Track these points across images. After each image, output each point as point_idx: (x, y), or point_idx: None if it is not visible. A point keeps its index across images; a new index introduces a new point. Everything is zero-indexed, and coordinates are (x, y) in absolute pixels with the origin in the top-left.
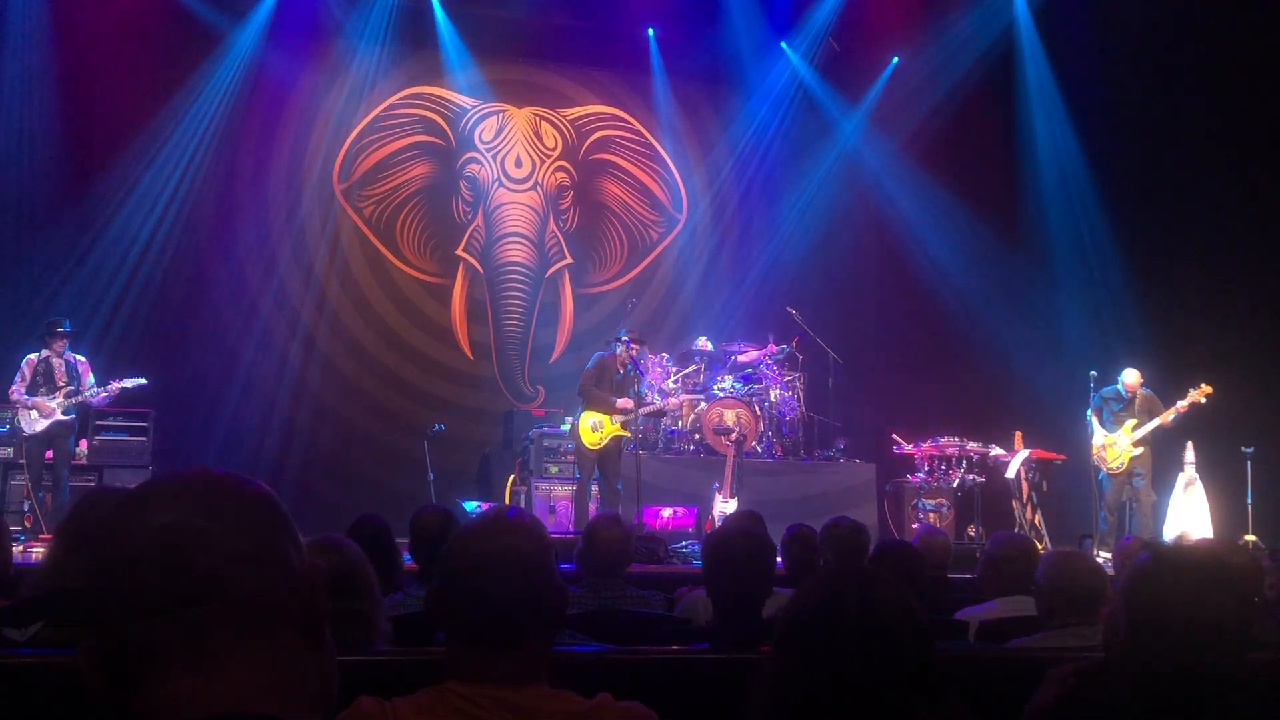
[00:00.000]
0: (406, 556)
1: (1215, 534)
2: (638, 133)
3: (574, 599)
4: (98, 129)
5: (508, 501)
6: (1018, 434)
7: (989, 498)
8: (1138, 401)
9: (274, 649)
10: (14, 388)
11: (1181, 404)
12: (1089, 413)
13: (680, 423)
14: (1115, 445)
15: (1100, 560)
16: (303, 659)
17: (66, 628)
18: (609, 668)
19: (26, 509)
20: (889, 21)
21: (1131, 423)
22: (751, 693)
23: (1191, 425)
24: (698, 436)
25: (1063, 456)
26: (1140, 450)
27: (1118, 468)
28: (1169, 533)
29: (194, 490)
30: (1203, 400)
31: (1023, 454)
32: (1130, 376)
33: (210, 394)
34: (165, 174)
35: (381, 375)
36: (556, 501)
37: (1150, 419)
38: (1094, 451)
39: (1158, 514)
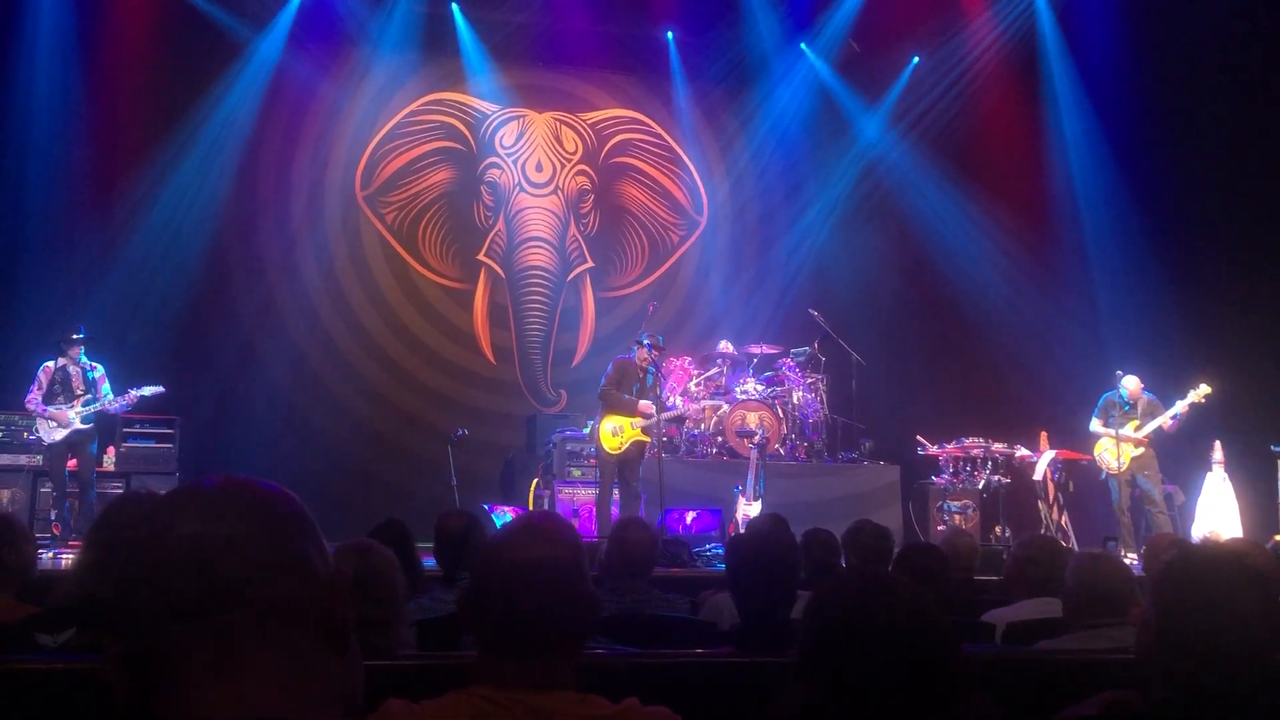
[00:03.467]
0: (431, 560)
1: (1244, 533)
2: (658, 136)
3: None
4: (121, 138)
5: (531, 506)
6: (1043, 434)
7: (1015, 499)
8: (1140, 406)
9: (299, 655)
10: (31, 396)
11: (1181, 404)
12: (1093, 417)
13: (703, 426)
14: (1116, 446)
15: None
16: (328, 664)
17: (96, 634)
18: (634, 671)
19: (54, 517)
20: (909, 21)
21: (1133, 424)
22: (776, 697)
23: (1220, 424)
24: (720, 439)
25: (1089, 457)
26: (1141, 450)
27: (1118, 468)
28: (1197, 532)
29: (219, 498)
30: (1202, 401)
31: (1049, 454)
32: (1131, 383)
33: (235, 400)
34: (189, 181)
35: (404, 380)
36: (580, 505)
37: (1152, 420)
38: (1095, 453)
39: (1185, 513)
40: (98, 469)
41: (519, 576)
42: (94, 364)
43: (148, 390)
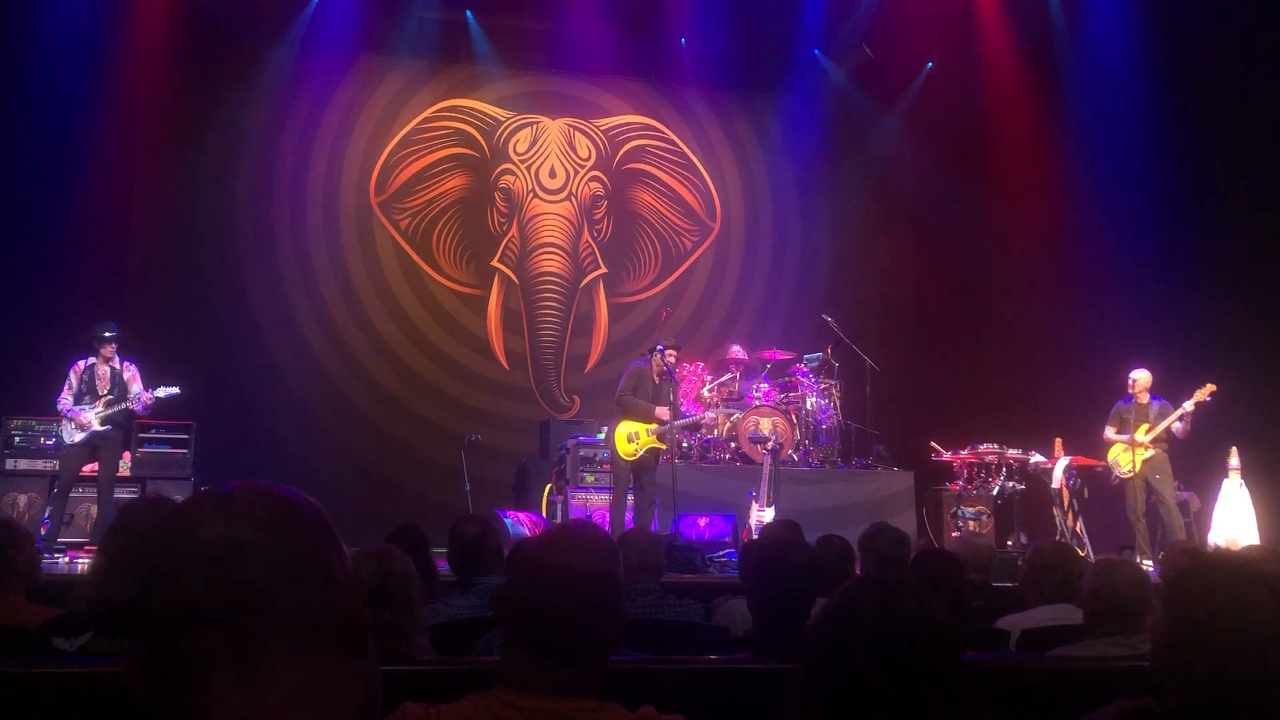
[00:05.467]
0: (445, 565)
1: (1261, 540)
2: (671, 142)
3: None
4: (138, 143)
5: (544, 511)
6: (1058, 440)
7: (1029, 505)
8: (1152, 412)
9: (319, 660)
10: (61, 397)
11: (1188, 405)
12: (1107, 425)
13: (716, 431)
14: (1125, 450)
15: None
16: (347, 670)
17: (114, 638)
18: (649, 677)
19: (46, 515)
20: (923, 27)
21: (1144, 428)
22: (784, 702)
23: (1237, 430)
24: (734, 445)
25: (1104, 463)
26: (1152, 453)
27: (1129, 472)
28: (1214, 539)
29: (240, 503)
30: (1207, 399)
31: (1064, 461)
32: (1140, 376)
33: (250, 405)
34: (204, 187)
35: (418, 385)
36: (593, 511)
37: (1163, 422)
38: (1109, 458)
39: (1201, 520)
40: (117, 475)
41: (554, 583)
42: (127, 363)
43: (163, 392)
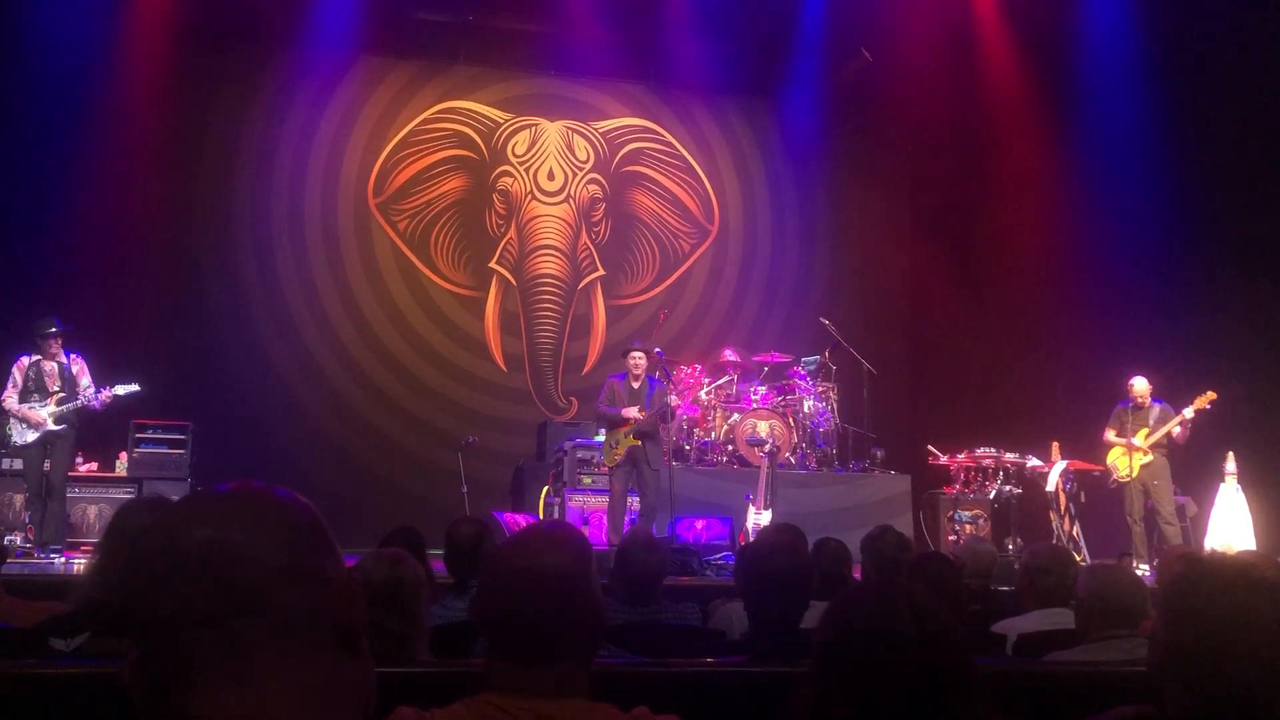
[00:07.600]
0: (440, 567)
1: (1258, 546)
2: (669, 144)
3: (610, 611)
4: (137, 143)
5: (541, 513)
6: (1055, 444)
7: (1026, 509)
8: (1153, 415)
9: (312, 661)
10: (5, 395)
11: (1187, 411)
12: (1107, 427)
13: (713, 434)
14: (1124, 454)
15: (1139, 573)
16: (340, 671)
17: (110, 639)
18: (646, 680)
19: (27, 520)
20: (923, 29)
21: (1143, 432)
22: (789, 706)
23: (1234, 435)
24: (731, 448)
25: (1101, 467)
26: (1150, 458)
27: (1127, 475)
28: (1210, 544)
29: (233, 504)
30: (1206, 406)
31: (1061, 465)
32: (1139, 383)
33: (248, 406)
34: (204, 188)
35: (415, 387)
36: (590, 513)
37: (1162, 427)
38: (1108, 461)
39: (1198, 525)
40: (108, 474)
41: (524, 583)
42: (74, 356)
43: (122, 390)
